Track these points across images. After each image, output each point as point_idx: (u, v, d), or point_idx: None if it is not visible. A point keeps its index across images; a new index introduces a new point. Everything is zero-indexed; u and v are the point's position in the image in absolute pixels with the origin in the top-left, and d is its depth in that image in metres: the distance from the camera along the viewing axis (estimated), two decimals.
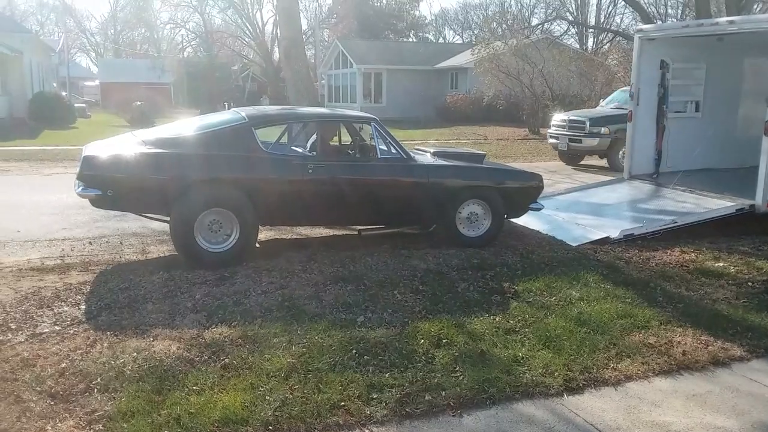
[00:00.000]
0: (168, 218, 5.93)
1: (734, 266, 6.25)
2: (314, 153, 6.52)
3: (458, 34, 59.68)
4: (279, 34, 26.79)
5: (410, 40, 50.87)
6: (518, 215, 7.36)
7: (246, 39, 43.32)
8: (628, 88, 11.76)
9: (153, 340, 4.15)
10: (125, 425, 3.16)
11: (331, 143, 7.18)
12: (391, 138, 6.61)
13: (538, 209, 7.29)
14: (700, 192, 8.58)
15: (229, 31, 43.87)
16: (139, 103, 27.11)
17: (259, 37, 41.23)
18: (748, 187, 7.84)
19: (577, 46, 39.88)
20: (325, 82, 37.94)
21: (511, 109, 25.63)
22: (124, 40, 62.97)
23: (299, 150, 6.87)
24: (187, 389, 3.50)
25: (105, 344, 4.08)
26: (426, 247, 6.58)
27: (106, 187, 5.65)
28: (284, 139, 7.39)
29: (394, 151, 6.59)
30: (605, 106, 15.65)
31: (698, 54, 9.87)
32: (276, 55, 39.21)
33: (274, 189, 6.05)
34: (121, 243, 6.80)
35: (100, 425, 3.18)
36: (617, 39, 35.19)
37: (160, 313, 4.64)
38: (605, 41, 41.57)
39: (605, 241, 7.09)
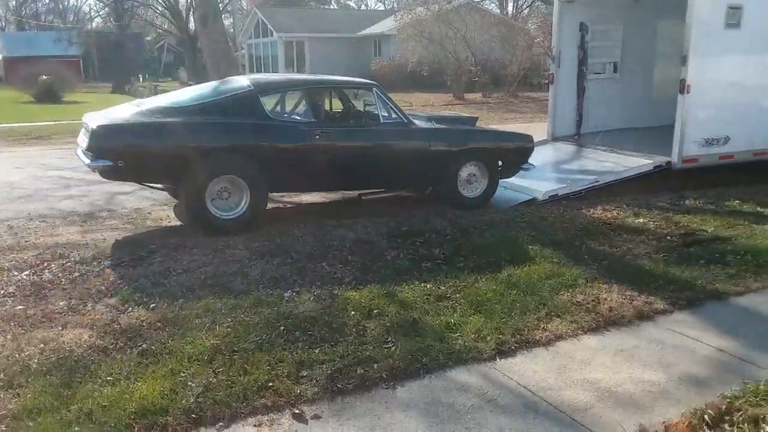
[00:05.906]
0: (176, 187, 5.97)
1: (653, 221, 6.43)
2: (320, 119, 6.57)
3: (381, 1, 59.11)
4: (193, 2, 25.64)
5: (332, 7, 49.95)
6: (510, 176, 7.52)
7: (159, 8, 41.27)
8: None
9: (62, 330, 3.84)
10: (31, 424, 2.90)
11: (336, 109, 7.30)
12: (393, 104, 6.76)
13: (528, 169, 7.44)
14: (620, 151, 8.79)
15: (141, 0, 41.64)
16: (45, 77, 25.59)
17: (173, 6, 39.35)
18: (665, 144, 8.07)
19: (498, 11, 40.16)
20: (246, 51, 36.80)
21: (436, 75, 25.63)
22: (27, 12, 58.96)
23: (306, 117, 6.81)
24: (100, 380, 3.24)
25: (8, 336, 3.75)
26: (353, 215, 6.44)
27: (117, 157, 5.54)
28: (288, 107, 7.23)
29: (395, 116, 6.71)
30: None
31: (615, 16, 10.05)
32: (192, 24, 37.54)
33: (283, 155, 6.10)
34: (28, 226, 6.31)
35: (3, 425, 2.90)
36: (536, 4, 35.73)
37: (70, 299, 4.31)
38: (525, 6, 42.06)
39: (532, 202, 7.15)
